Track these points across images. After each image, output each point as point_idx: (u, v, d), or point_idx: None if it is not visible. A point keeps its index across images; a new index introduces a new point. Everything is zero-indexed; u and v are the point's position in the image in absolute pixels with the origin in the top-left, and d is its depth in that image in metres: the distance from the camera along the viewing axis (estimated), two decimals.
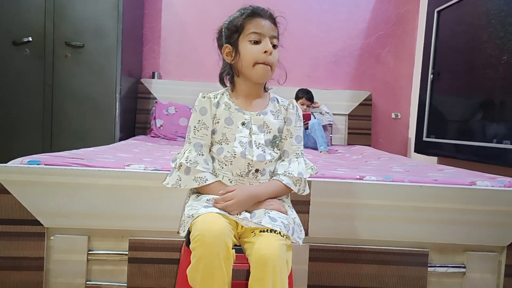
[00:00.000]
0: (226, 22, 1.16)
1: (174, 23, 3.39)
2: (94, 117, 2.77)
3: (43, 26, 2.69)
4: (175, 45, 3.41)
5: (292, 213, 1.14)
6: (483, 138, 2.35)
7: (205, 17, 3.31)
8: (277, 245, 0.97)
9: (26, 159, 1.43)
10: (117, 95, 2.78)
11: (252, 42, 1.10)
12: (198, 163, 1.11)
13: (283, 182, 1.14)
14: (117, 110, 2.79)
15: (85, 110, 2.76)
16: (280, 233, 1.00)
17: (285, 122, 1.19)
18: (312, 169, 1.19)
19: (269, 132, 1.16)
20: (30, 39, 2.69)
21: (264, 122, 1.15)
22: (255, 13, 1.12)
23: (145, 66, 3.41)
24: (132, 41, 3.10)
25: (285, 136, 1.19)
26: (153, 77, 3.37)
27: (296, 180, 1.16)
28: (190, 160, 1.11)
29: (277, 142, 1.17)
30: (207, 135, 1.14)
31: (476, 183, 1.51)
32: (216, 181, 1.12)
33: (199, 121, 1.14)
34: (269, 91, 1.23)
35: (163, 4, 3.38)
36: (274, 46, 1.13)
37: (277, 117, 1.18)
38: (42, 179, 1.37)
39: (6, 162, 1.41)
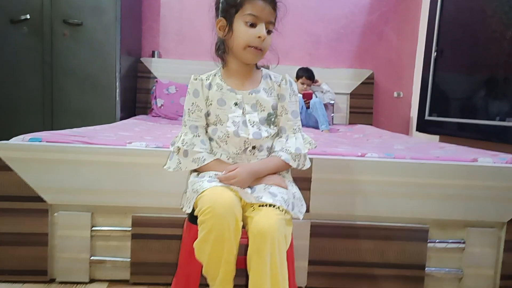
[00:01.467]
0: None
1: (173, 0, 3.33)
2: (94, 96, 2.75)
3: (40, 4, 2.65)
4: (175, 23, 3.36)
5: (293, 188, 1.15)
6: (486, 116, 2.34)
7: None
8: (276, 219, 0.98)
9: (27, 136, 1.43)
10: (117, 74, 2.75)
11: (248, 24, 1.07)
12: (195, 145, 1.12)
13: (281, 158, 1.14)
14: (117, 89, 2.77)
15: (85, 88, 2.74)
16: (279, 207, 1.01)
17: (279, 98, 1.17)
18: (310, 143, 1.18)
19: (263, 110, 1.15)
20: (28, 17, 2.65)
21: (257, 100, 1.14)
22: None
23: (144, 45, 3.37)
24: (131, 18, 3.05)
25: (280, 113, 1.17)
26: (153, 56, 3.33)
27: (295, 156, 1.15)
28: (186, 143, 1.12)
29: (272, 119, 1.16)
30: (201, 116, 1.14)
31: (478, 159, 1.50)
32: (213, 159, 1.13)
33: (192, 103, 1.14)
34: (261, 69, 1.20)
35: None
36: (269, 32, 1.10)
37: (270, 94, 1.17)
38: (44, 156, 1.38)
39: (7, 140, 1.41)
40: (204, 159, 1.11)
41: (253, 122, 1.12)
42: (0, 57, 2.67)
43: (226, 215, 0.96)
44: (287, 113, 1.17)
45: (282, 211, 1.01)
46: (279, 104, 1.17)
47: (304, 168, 1.19)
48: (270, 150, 1.16)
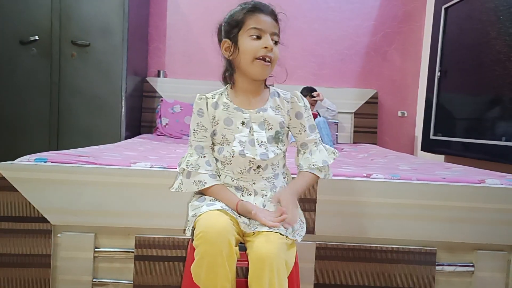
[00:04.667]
0: (227, 17, 1.14)
1: (179, 21, 3.39)
2: (100, 115, 2.78)
3: (49, 25, 2.71)
4: (181, 44, 3.41)
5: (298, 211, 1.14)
6: (491, 136, 2.32)
7: (210, 15, 3.31)
8: (276, 243, 0.97)
9: (33, 156, 1.43)
10: (123, 93, 2.78)
11: (253, 37, 1.08)
12: (199, 166, 1.11)
13: (311, 173, 1.16)
14: (123, 109, 2.79)
15: (91, 108, 2.77)
16: (280, 233, 1.00)
17: (289, 115, 1.17)
18: (334, 153, 1.19)
19: (271, 128, 1.14)
20: (37, 38, 2.71)
21: (265, 118, 1.13)
22: (256, 8, 1.09)
23: (150, 65, 3.42)
24: (138, 39, 3.10)
25: (299, 131, 1.18)
26: (158, 75, 3.37)
27: (322, 168, 1.17)
28: (191, 164, 1.11)
29: (280, 137, 1.15)
30: (206, 136, 1.13)
31: (485, 181, 1.49)
32: (215, 184, 1.11)
33: (197, 123, 1.13)
34: (269, 87, 1.20)
35: (168, 3, 3.38)
36: (275, 43, 1.11)
37: (278, 111, 1.16)
38: (49, 176, 1.38)
39: (13, 160, 1.41)
40: (205, 183, 1.10)
41: (261, 142, 1.11)
42: (9, 77, 2.72)
43: (218, 240, 0.95)
44: (305, 130, 1.18)
45: (283, 235, 1.00)
46: (297, 121, 1.17)
47: (329, 177, 1.20)
48: (275, 166, 1.15)
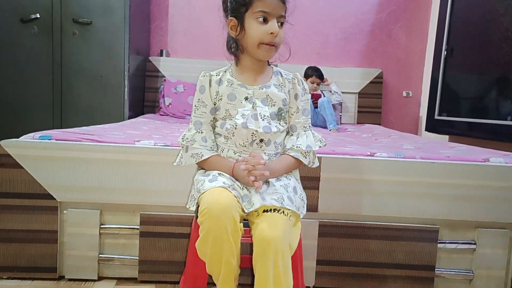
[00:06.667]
0: None
1: None
2: (103, 95, 2.77)
3: (50, 3, 2.67)
4: (183, 22, 3.36)
5: (297, 187, 1.14)
6: (496, 116, 2.31)
7: None
8: (280, 227, 0.98)
9: (37, 134, 1.44)
10: (125, 73, 2.77)
11: (259, 20, 1.07)
12: (195, 141, 1.13)
13: (293, 156, 1.15)
14: (126, 88, 2.78)
15: (94, 88, 2.76)
16: (283, 212, 1.01)
17: (289, 95, 1.17)
18: (320, 141, 1.18)
19: (274, 105, 1.14)
20: (38, 16, 2.67)
21: (268, 95, 1.14)
22: None
23: (153, 44, 3.38)
24: (140, 18, 3.06)
25: (293, 112, 1.18)
26: (161, 55, 3.34)
27: (305, 153, 1.16)
28: (187, 139, 1.13)
29: (283, 115, 1.16)
30: (206, 113, 1.15)
31: (490, 159, 1.48)
32: (212, 155, 1.13)
33: (198, 99, 1.15)
34: (271, 65, 1.20)
35: None
36: (281, 24, 1.10)
37: (281, 89, 1.16)
38: (54, 154, 1.38)
39: (17, 138, 1.42)
40: (202, 155, 1.12)
41: (264, 116, 1.12)
42: (11, 56, 2.70)
43: (222, 216, 0.96)
44: (299, 112, 1.17)
45: (287, 215, 1.01)
46: (293, 102, 1.17)
47: (314, 166, 1.19)
48: (278, 145, 1.16)
